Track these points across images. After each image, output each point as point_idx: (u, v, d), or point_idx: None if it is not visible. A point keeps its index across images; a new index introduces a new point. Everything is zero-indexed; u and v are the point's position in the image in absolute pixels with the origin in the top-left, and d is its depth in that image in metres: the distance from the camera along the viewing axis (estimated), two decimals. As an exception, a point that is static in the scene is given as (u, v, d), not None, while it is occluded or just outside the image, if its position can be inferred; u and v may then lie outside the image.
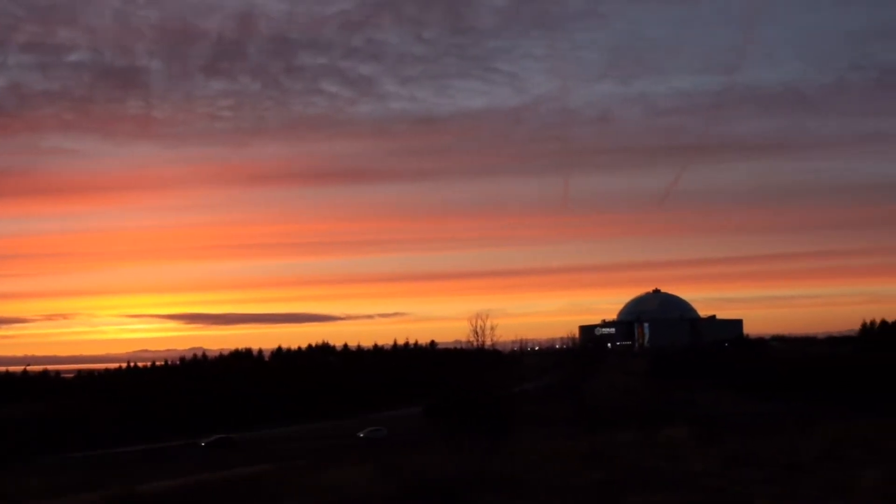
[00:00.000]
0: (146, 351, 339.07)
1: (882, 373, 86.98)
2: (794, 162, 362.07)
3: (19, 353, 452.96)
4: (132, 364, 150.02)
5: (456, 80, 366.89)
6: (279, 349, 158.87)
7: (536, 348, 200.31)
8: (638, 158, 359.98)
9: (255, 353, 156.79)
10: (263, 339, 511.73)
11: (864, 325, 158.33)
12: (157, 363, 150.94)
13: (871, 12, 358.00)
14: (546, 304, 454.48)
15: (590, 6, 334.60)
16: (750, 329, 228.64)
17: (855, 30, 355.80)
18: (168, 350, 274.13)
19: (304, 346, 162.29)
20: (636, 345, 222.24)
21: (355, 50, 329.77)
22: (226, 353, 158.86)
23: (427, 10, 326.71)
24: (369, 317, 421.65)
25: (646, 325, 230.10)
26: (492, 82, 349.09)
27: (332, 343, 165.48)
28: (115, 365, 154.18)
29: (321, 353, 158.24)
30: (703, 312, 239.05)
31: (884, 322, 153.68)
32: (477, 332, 63.32)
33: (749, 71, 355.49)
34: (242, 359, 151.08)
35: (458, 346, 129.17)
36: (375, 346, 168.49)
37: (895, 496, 14.96)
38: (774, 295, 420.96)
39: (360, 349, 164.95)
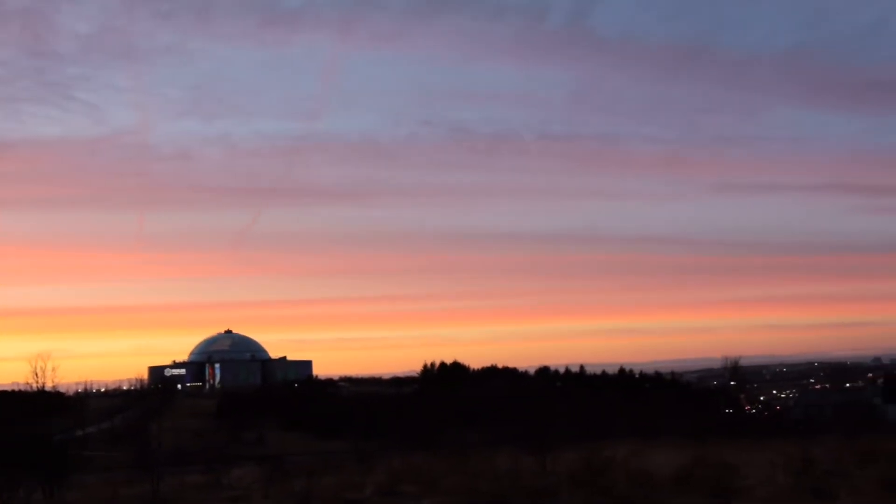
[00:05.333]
0: None
1: (439, 411, 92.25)
2: (367, 209, 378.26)
3: None
4: None
5: (30, 105, 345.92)
6: None
7: (103, 390, 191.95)
8: (216, 198, 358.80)
9: None
10: None
11: (424, 367, 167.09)
12: None
13: (442, 74, 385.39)
14: (115, 343, 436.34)
15: (177, 42, 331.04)
16: (319, 370, 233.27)
17: (428, 88, 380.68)
18: None
19: None
20: (207, 385, 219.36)
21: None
22: None
23: (1, 28, 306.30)
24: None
25: (217, 365, 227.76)
26: (69, 111, 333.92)
27: None
28: None
29: None
30: (274, 353, 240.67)
31: (442, 363, 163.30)
32: (37, 374, 59.85)
33: (329, 119, 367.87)
34: None
35: (17, 388, 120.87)
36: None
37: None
38: (343, 336, 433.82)
39: None
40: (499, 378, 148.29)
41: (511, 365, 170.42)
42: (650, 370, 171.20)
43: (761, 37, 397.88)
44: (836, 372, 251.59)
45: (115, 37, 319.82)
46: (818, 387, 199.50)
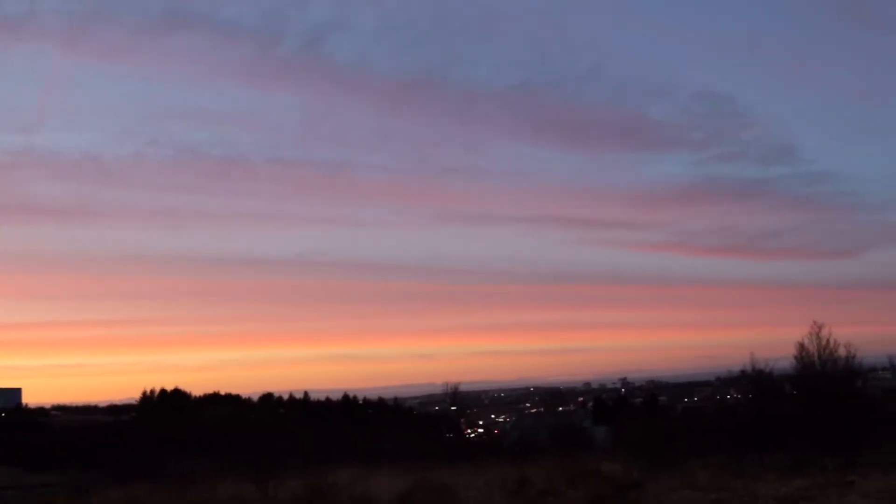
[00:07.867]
0: None
1: (160, 440, 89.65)
2: (88, 230, 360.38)
3: None
4: None
5: None
6: None
7: None
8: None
9: None
10: None
11: (144, 394, 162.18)
12: None
13: (171, 93, 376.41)
14: None
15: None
16: (30, 398, 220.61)
17: (156, 107, 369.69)
18: None
19: None
20: None
21: None
22: None
23: None
24: None
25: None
26: None
27: None
28: None
29: None
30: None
31: (162, 390, 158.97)
32: None
33: (49, 134, 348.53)
34: None
35: None
36: None
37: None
38: (56, 363, 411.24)
39: None
40: (221, 405, 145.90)
41: (234, 392, 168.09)
42: (374, 396, 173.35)
43: (488, 74, 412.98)
44: (550, 396, 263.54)
45: None
46: (534, 411, 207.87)
